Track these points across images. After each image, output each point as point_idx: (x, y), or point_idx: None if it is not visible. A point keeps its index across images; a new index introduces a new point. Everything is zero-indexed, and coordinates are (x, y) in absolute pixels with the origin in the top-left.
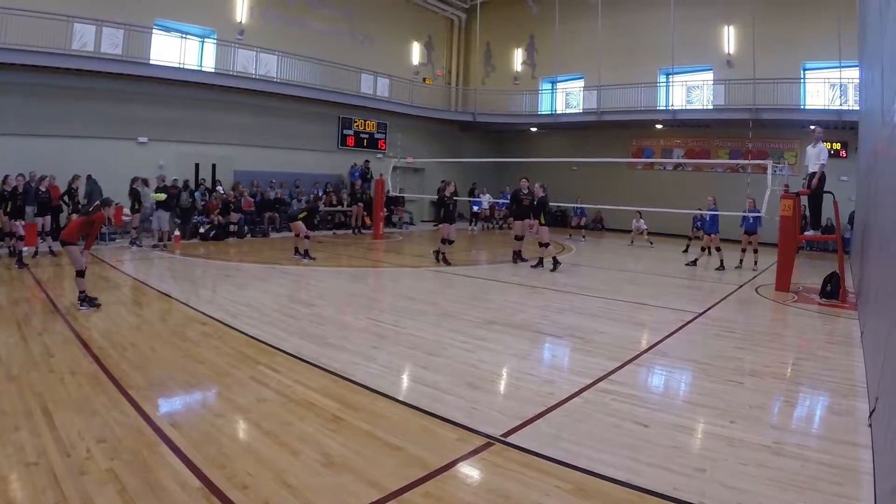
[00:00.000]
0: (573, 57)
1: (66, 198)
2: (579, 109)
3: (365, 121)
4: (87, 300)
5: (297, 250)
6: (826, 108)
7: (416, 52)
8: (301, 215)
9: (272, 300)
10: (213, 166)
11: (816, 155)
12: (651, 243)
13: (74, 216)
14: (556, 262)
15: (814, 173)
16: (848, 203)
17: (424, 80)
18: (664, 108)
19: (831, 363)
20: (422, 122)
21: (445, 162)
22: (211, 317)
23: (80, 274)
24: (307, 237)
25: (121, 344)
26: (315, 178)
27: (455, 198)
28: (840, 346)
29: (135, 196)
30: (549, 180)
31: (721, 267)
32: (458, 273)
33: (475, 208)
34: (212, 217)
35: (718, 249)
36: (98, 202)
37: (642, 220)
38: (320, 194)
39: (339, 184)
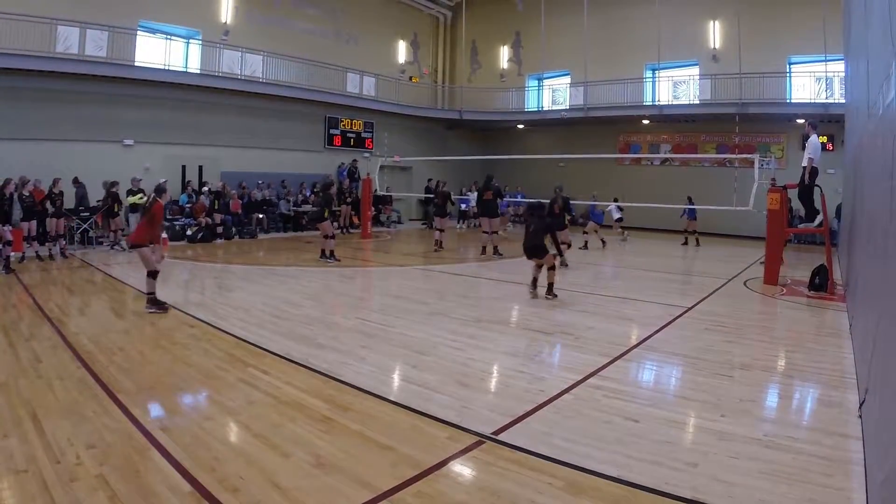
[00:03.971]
0: (559, 53)
1: (47, 203)
2: (566, 106)
3: (351, 120)
4: (156, 303)
5: (323, 252)
6: (812, 101)
7: (401, 51)
8: (326, 214)
9: (261, 301)
10: (200, 168)
11: (806, 149)
12: (625, 239)
13: (54, 220)
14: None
15: (805, 167)
16: (835, 195)
17: (411, 78)
18: (651, 103)
19: (821, 355)
20: (409, 120)
21: (433, 160)
22: (199, 319)
23: (152, 275)
24: (333, 237)
25: (109, 348)
26: (302, 178)
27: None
28: (829, 338)
29: (113, 199)
30: (537, 177)
31: (584, 247)
32: (447, 271)
33: (463, 206)
34: (199, 219)
35: (596, 231)
36: (153, 193)
37: (614, 205)
38: (331, 183)
39: None
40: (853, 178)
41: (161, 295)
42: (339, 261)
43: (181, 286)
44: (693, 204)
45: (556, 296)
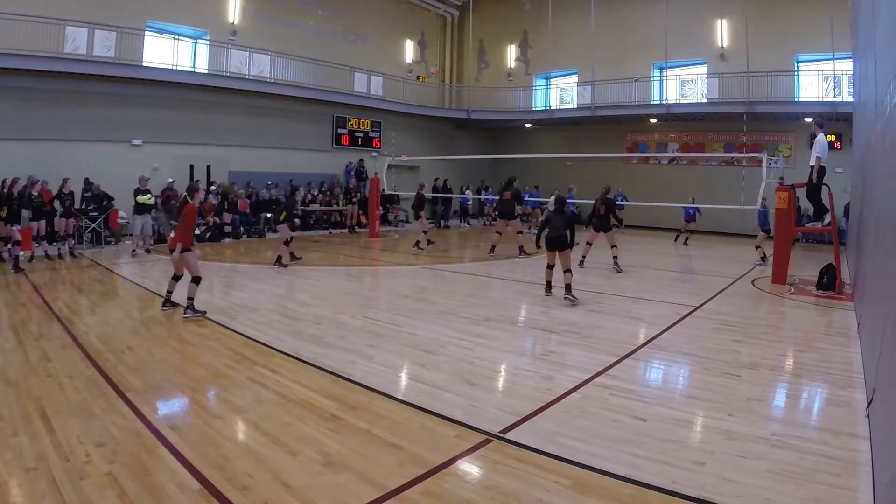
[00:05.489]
0: (567, 52)
1: (56, 202)
2: (573, 105)
3: (359, 119)
4: (193, 308)
5: (278, 259)
6: (820, 100)
7: (409, 50)
8: (282, 217)
9: (269, 300)
10: (208, 168)
11: (814, 147)
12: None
13: (63, 220)
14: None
15: (812, 166)
16: (843, 194)
17: (418, 77)
18: (658, 102)
19: (829, 355)
20: (416, 119)
21: (440, 160)
22: (208, 318)
23: (196, 281)
24: (286, 242)
25: (118, 347)
26: (310, 177)
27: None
28: (837, 337)
29: (99, 199)
30: (544, 176)
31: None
32: (455, 270)
33: (467, 204)
34: (207, 219)
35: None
36: (185, 193)
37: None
38: (300, 189)
39: (334, 183)
40: (861, 177)
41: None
42: (299, 259)
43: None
44: (694, 205)
45: (575, 298)
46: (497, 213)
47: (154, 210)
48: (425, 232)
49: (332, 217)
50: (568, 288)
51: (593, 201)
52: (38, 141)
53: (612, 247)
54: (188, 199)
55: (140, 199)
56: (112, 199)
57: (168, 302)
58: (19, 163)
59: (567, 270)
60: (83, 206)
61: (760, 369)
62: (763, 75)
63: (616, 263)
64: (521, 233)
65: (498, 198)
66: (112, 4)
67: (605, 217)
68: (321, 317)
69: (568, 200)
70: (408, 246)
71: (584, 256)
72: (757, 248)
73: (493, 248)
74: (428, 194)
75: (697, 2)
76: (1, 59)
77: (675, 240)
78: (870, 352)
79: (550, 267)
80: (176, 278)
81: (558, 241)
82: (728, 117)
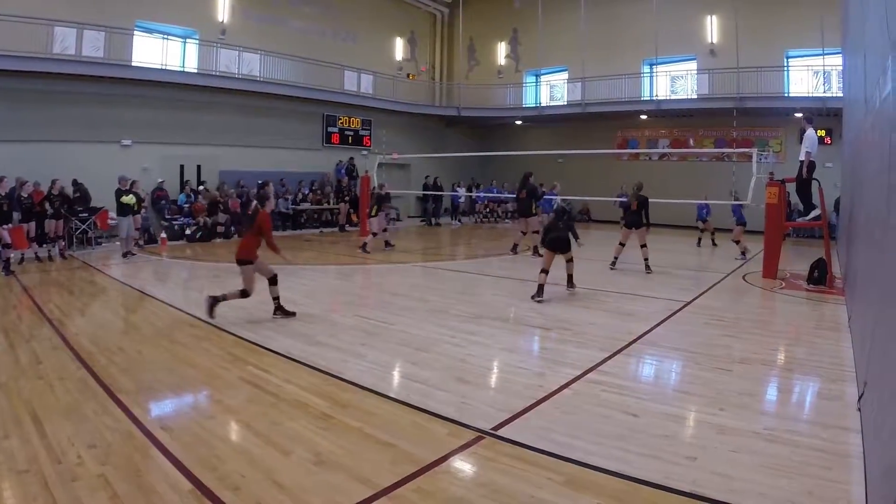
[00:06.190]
0: (557, 49)
1: (46, 203)
2: (564, 102)
3: (349, 118)
4: (282, 309)
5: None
6: (810, 95)
7: (399, 48)
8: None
9: (260, 300)
10: (198, 167)
11: (803, 143)
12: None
13: (52, 222)
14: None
15: (802, 161)
16: (833, 189)
17: (408, 75)
18: (648, 98)
19: (820, 349)
20: (406, 117)
21: (431, 157)
22: (199, 318)
23: (244, 294)
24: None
25: (109, 348)
26: (300, 176)
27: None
28: (828, 331)
29: (62, 200)
30: (535, 173)
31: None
32: (446, 268)
33: (459, 202)
34: (198, 218)
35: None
36: (255, 201)
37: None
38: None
39: (325, 181)
40: (851, 172)
41: (161, 294)
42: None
43: (180, 285)
44: (706, 202)
45: (574, 286)
46: (518, 213)
47: (143, 209)
48: (375, 234)
49: (323, 216)
50: (570, 279)
51: (585, 198)
52: (26, 142)
53: (641, 246)
54: (260, 207)
55: (123, 199)
56: (78, 201)
57: (279, 309)
58: (8, 164)
59: (569, 260)
60: (73, 207)
61: (752, 364)
62: (753, 71)
63: (647, 265)
64: (536, 232)
65: (514, 196)
66: (100, 4)
67: (637, 213)
68: (313, 315)
69: (552, 197)
70: (400, 244)
71: (615, 257)
72: (736, 241)
73: (514, 248)
74: (418, 192)
75: None
76: None
77: (710, 243)
78: (860, 345)
79: (545, 272)
80: (273, 283)
81: (559, 243)
82: (718, 113)
